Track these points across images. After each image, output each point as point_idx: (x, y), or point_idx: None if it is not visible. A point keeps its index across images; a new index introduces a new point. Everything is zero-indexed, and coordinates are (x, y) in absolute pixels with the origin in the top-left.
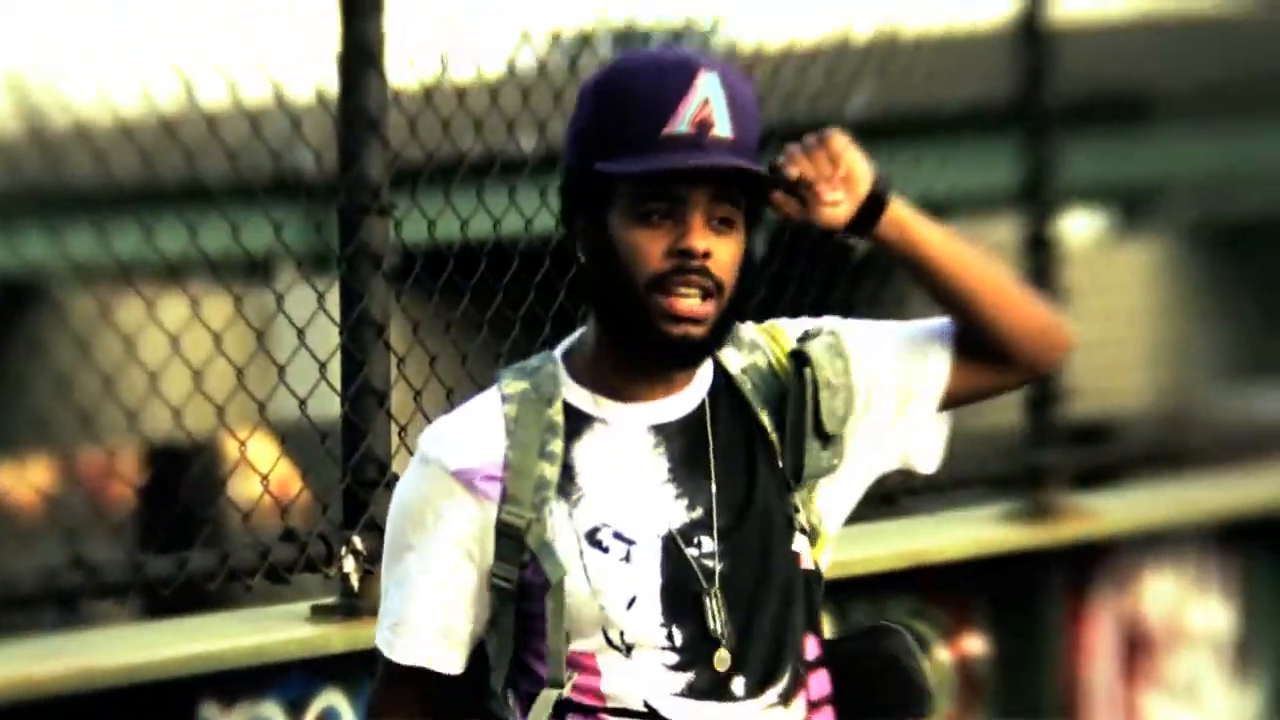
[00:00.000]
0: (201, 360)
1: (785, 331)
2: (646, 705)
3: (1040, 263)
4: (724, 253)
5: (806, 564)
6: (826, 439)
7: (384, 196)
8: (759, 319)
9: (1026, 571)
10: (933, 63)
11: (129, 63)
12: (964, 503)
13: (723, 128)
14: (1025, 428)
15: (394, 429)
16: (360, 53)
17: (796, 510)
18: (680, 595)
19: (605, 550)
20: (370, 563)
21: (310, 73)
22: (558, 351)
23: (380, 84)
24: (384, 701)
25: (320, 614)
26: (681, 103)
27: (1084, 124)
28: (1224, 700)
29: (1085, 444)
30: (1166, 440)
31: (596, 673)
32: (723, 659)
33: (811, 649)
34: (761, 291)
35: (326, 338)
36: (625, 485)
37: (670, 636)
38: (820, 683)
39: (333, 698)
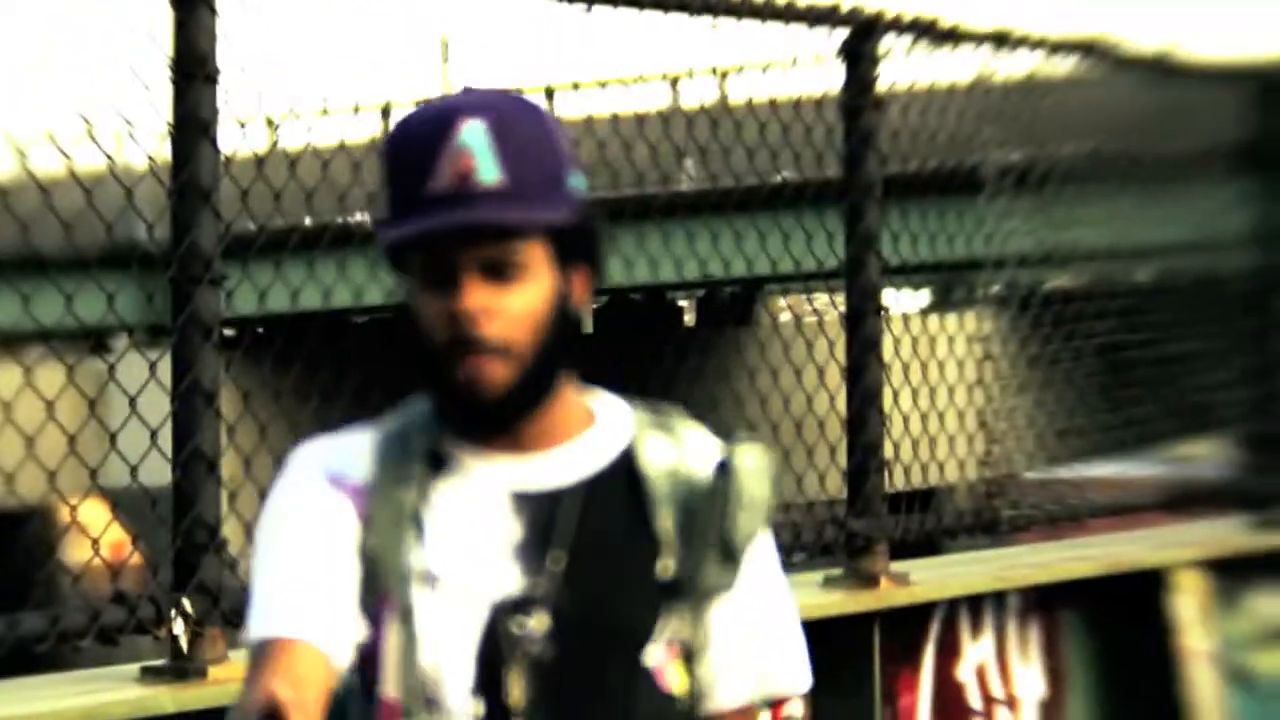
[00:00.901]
0: (35, 428)
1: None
2: None
3: (861, 343)
4: (512, 304)
5: (666, 681)
6: (729, 555)
7: (215, 267)
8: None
9: (847, 637)
10: (761, 135)
11: None
12: (786, 570)
13: (487, 173)
14: (847, 496)
15: (224, 495)
16: (192, 124)
17: (664, 621)
18: (491, 666)
19: (433, 598)
20: (199, 624)
21: (144, 143)
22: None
23: (212, 155)
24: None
25: (150, 675)
26: (440, 154)
27: (909, 198)
28: None
29: (906, 512)
30: (984, 509)
31: None
32: None
33: None
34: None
35: (161, 406)
36: (468, 539)
37: (475, 706)
38: None
39: None
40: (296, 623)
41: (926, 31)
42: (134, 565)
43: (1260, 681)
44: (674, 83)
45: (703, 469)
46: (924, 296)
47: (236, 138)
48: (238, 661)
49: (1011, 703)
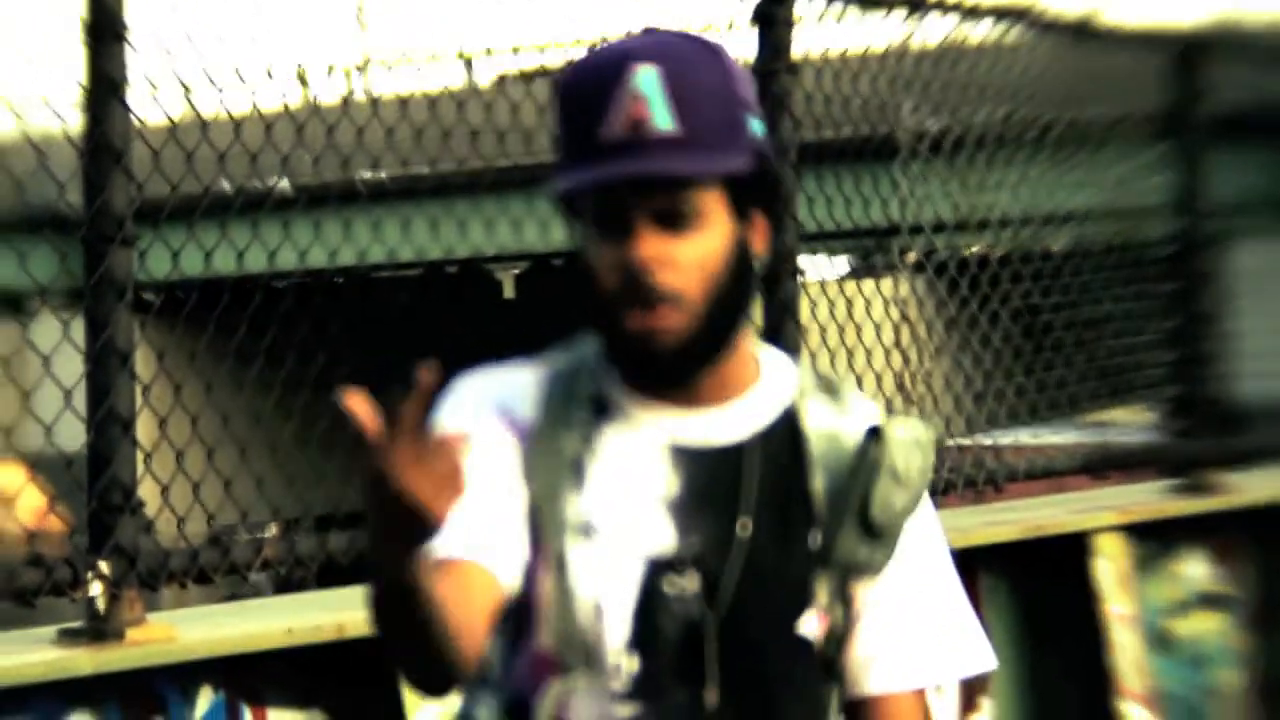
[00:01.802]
0: None
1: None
2: None
3: (780, 298)
4: (686, 253)
5: (820, 651)
6: (870, 530)
7: (128, 227)
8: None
9: None
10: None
11: None
12: None
13: (661, 120)
14: None
15: (139, 456)
16: (104, 84)
17: (818, 591)
18: (649, 624)
19: (590, 549)
20: (116, 586)
21: (60, 105)
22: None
23: (123, 115)
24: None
25: (67, 637)
26: (612, 101)
27: (826, 164)
28: None
29: None
30: None
31: (544, 682)
32: (685, 695)
33: None
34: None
35: (79, 372)
36: (628, 491)
37: (627, 663)
38: None
39: None
40: (466, 547)
41: None
42: (55, 531)
43: (1182, 645)
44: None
45: (857, 438)
46: (843, 263)
47: (150, 103)
48: (156, 624)
49: None
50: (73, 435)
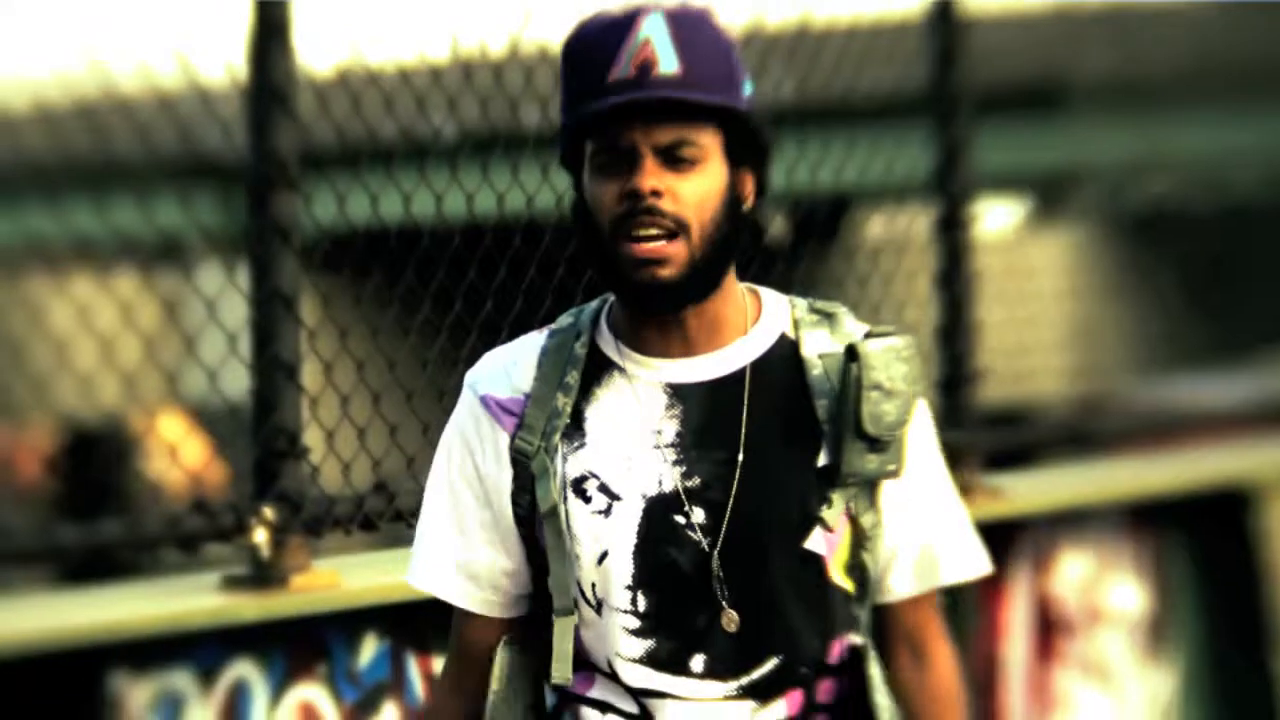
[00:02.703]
0: (114, 337)
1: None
2: (609, 666)
3: (951, 247)
4: (686, 189)
5: (831, 565)
6: (872, 442)
7: (292, 171)
8: None
9: None
10: (847, 50)
11: (44, 43)
12: None
13: (667, 64)
14: (939, 409)
15: (304, 401)
16: (267, 27)
17: (826, 507)
18: (655, 558)
19: (587, 500)
20: (281, 533)
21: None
22: (612, 295)
23: (287, 58)
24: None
25: (231, 584)
26: (621, 48)
27: (998, 112)
28: (1138, 680)
29: (1000, 426)
30: (1081, 424)
31: (577, 624)
32: (705, 619)
33: (834, 653)
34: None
35: (241, 319)
36: (626, 439)
37: (635, 600)
38: (832, 690)
39: (244, 669)
40: (433, 577)
41: None
42: (216, 481)
43: None
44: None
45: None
46: (1019, 209)
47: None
48: (320, 570)
49: (1110, 622)
50: (237, 383)
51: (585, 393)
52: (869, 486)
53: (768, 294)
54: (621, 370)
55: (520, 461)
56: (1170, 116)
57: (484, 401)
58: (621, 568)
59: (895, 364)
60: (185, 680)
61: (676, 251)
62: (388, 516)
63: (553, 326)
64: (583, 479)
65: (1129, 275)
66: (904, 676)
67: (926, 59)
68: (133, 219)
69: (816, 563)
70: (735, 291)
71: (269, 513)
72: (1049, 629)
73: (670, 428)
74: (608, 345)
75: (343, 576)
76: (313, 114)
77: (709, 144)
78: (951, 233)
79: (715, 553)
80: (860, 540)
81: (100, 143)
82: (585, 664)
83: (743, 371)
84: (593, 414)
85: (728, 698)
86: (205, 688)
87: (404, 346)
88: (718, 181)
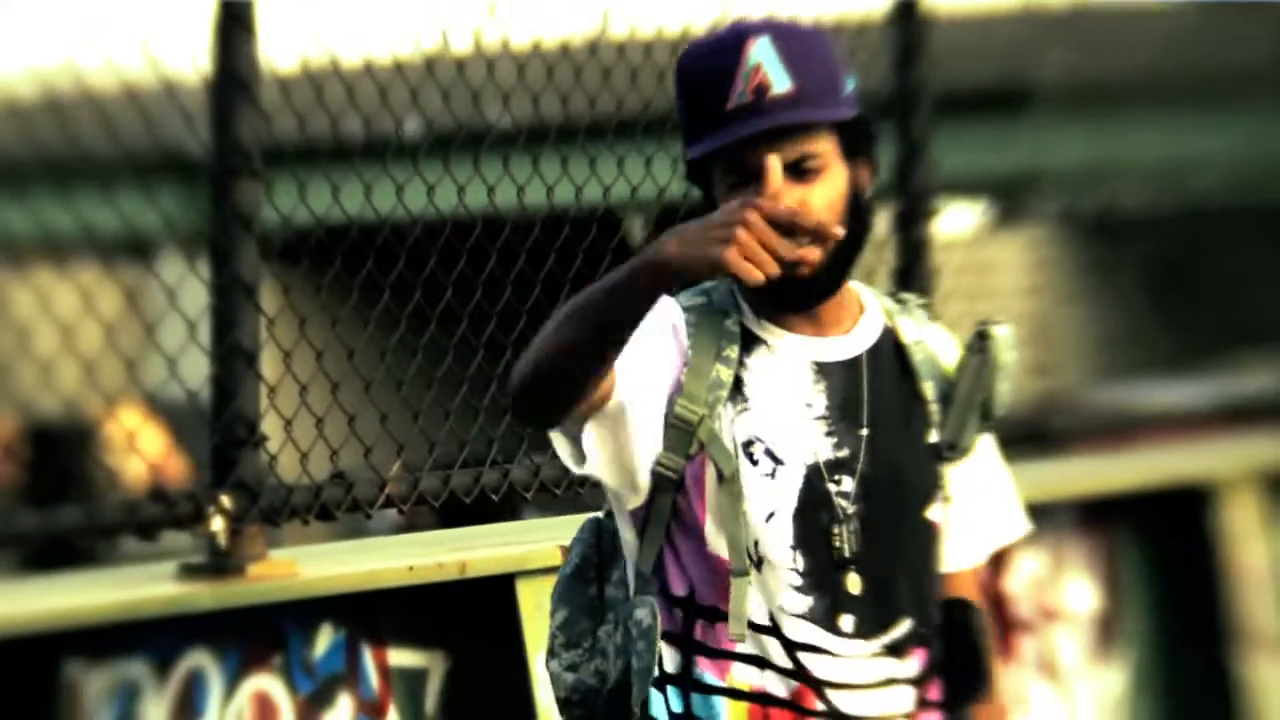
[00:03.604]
0: (74, 327)
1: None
2: (771, 619)
3: (910, 243)
4: (815, 198)
5: (941, 533)
6: (987, 420)
7: (255, 160)
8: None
9: None
10: None
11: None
12: None
13: (780, 85)
14: None
15: (263, 390)
16: (230, 16)
17: (941, 479)
18: (812, 522)
19: (755, 463)
20: (238, 521)
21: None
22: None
23: (250, 46)
24: None
25: (188, 572)
26: (736, 75)
27: (960, 114)
28: (1088, 678)
29: None
30: (1038, 423)
31: (726, 582)
32: (853, 583)
33: (938, 616)
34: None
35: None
36: (785, 408)
37: (796, 560)
38: (939, 649)
39: (200, 658)
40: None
41: None
42: (177, 473)
43: None
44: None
45: (941, 343)
46: (979, 212)
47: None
48: (277, 560)
49: (1064, 616)
50: (197, 374)
51: (741, 360)
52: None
53: (859, 285)
54: (768, 344)
55: (678, 427)
56: (1131, 119)
57: (676, 331)
58: (784, 528)
59: (1013, 350)
60: (140, 669)
61: (811, 254)
62: (345, 506)
63: (682, 302)
64: (750, 442)
65: (1089, 277)
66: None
67: (888, 58)
68: (97, 211)
69: (934, 531)
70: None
71: (226, 501)
72: (1004, 627)
73: (820, 400)
74: (750, 321)
75: (300, 566)
76: (276, 107)
77: (828, 151)
78: (910, 229)
79: (861, 520)
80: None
81: (65, 136)
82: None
83: (865, 354)
84: (751, 380)
85: (873, 655)
86: (160, 677)
87: (362, 336)
88: (840, 184)
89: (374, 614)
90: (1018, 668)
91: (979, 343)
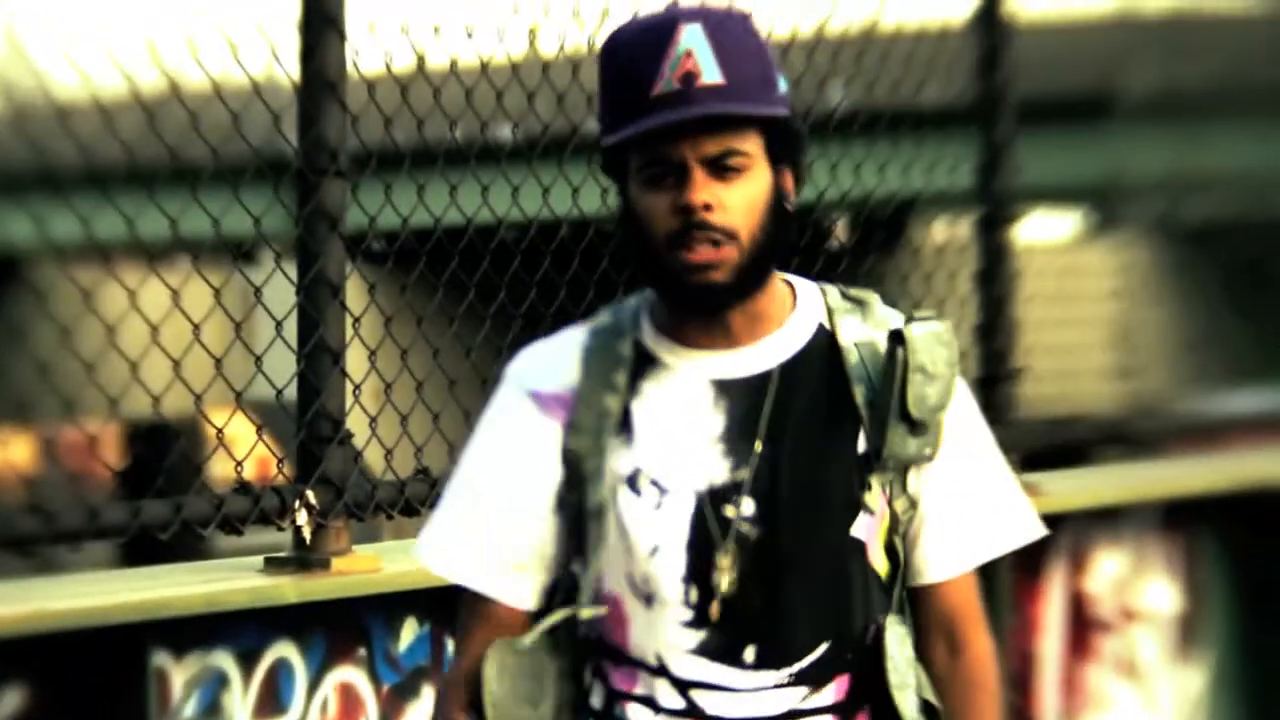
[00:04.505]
0: (176, 337)
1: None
2: (658, 659)
3: (992, 246)
4: (734, 198)
5: (872, 553)
6: (914, 425)
7: (341, 159)
8: None
9: None
10: (905, 60)
11: (110, 43)
12: None
13: (710, 74)
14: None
15: (348, 387)
16: (319, 16)
17: (866, 491)
18: (702, 553)
19: (639, 494)
20: (323, 516)
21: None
22: (649, 292)
23: (338, 46)
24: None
25: (273, 566)
26: (664, 60)
27: (1048, 122)
28: (1169, 678)
29: (1043, 426)
30: (1122, 425)
31: (622, 620)
32: (756, 610)
33: (870, 636)
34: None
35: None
36: (674, 434)
37: (687, 594)
38: (868, 671)
39: (285, 650)
40: (489, 578)
41: None
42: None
43: None
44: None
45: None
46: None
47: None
48: (361, 554)
49: (1143, 620)
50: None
51: (632, 389)
52: (903, 471)
53: (801, 284)
54: (666, 365)
55: (572, 461)
56: (1216, 128)
57: (534, 396)
58: (673, 561)
59: (937, 348)
60: (226, 660)
61: (727, 256)
62: (430, 502)
63: (593, 325)
64: (634, 475)
65: (1178, 285)
66: (940, 662)
67: (972, 62)
68: (191, 215)
69: (860, 548)
70: (775, 284)
71: (311, 496)
72: (1083, 626)
73: (717, 421)
74: (651, 340)
75: (383, 561)
76: (362, 109)
77: (753, 150)
78: (993, 232)
79: (765, 543)
80: (894, 525)
81: (150, 139)
82: (629, 660)
83: (780, 366)
84: (640, 410)
85: (779, 685)
86: (246, 668)
87: (447, 334)
88: (763, 185)
89: (458, 608)
90: (1099, 667)
91: (893, 343)
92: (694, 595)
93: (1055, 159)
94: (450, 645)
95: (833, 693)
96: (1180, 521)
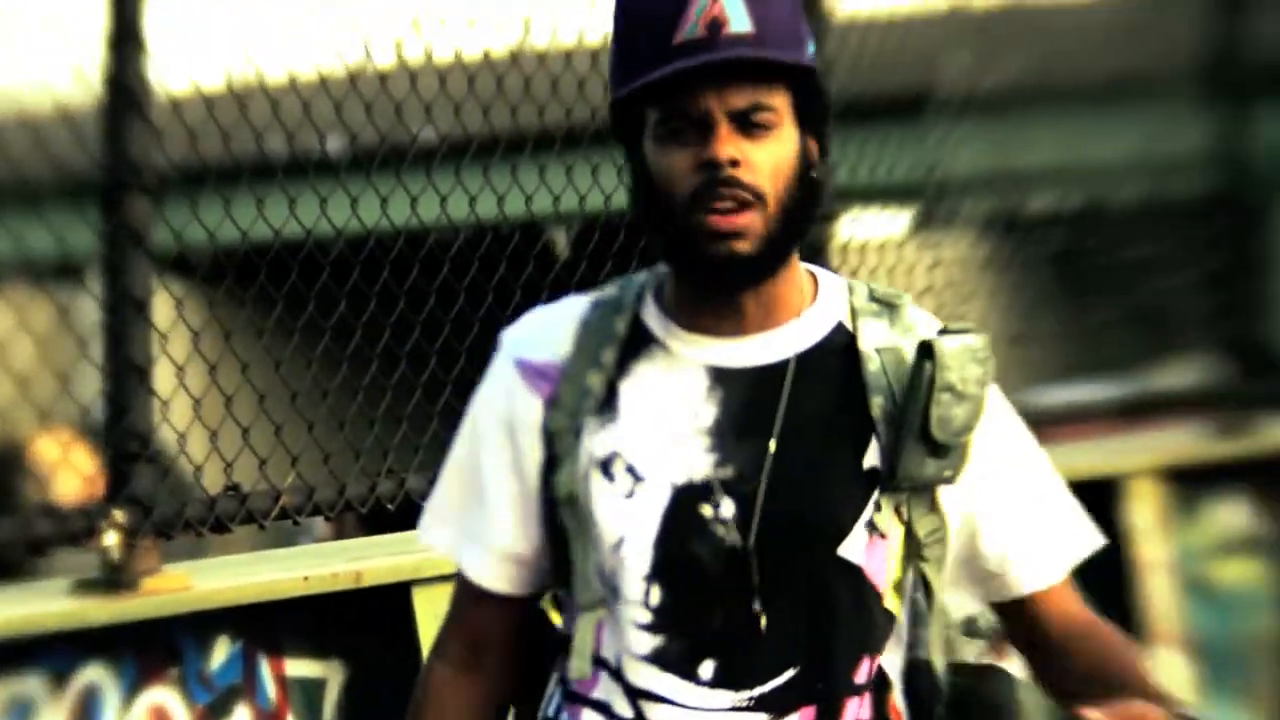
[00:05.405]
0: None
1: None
2: (616, 660)
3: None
4: (761, 157)
5: (874, 576)
6: (934, 446)
7: (146, 174)
8: None
9: None
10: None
11: None
12: None
13: (738, 23)
14: None
15: (156, 404)
16: (122, 30)
17: (876, 513)
18: (674, 552)
19: (612, 480)
20: (132, 536)
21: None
22: (660, 267)
23: (141, 61)
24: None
25: (82, 588)
26: (689, 5)
27: (872, 120)
28: None
29: None
30: None
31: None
32: (721, 623)
33: (863, 672)
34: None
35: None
36: (660, 420)
37: (648, 594)
38: (861, 709)
39: (95, 673)
40: (484, 569)
41: None
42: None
43: (1220, 592)
44: None
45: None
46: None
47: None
48: (171, 574)
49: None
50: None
51: (623, 368)
52: (926, 491)
53: (826, 277)
54: (664, 347)
55: (551, 440)
56: (1033, 122)
57: (519, 365)
58: (638, 557)
59: (970, 365)
60: (36, 684)
61: (753, 223)
62: (239, 519)
63: (597, 296)
64: (610, 459)
65: (1001, 280)
66: (1067, 662)
67: None
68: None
69: (852, 572)
70: (796, 270)
71: (119, 516)
72: None
73: (709, 411)
74: (653, 320)
75: (194, 579)
76: (168, 126)
77: (782, 107)
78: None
79: (742, 550)
80: (917, 548)
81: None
82: (597, 660)
83: (789, 361)
84: (628, 391)
85: (736, 709)
86: (56, 691)
87: (257, 349)
88: (791, 147)
89: (270, 625)
90: None
91: (921, 356)
92: (655, 596)
93: (879, 157)
94: (263, 662)
95: None
96: None
